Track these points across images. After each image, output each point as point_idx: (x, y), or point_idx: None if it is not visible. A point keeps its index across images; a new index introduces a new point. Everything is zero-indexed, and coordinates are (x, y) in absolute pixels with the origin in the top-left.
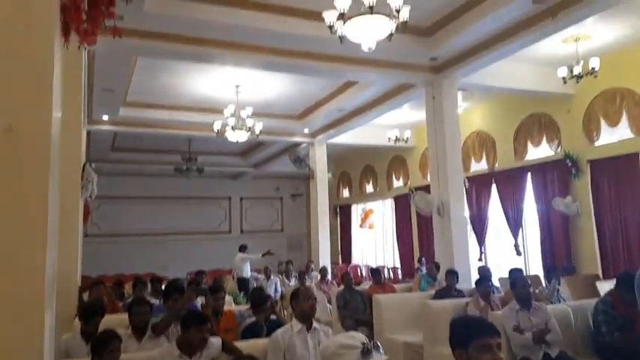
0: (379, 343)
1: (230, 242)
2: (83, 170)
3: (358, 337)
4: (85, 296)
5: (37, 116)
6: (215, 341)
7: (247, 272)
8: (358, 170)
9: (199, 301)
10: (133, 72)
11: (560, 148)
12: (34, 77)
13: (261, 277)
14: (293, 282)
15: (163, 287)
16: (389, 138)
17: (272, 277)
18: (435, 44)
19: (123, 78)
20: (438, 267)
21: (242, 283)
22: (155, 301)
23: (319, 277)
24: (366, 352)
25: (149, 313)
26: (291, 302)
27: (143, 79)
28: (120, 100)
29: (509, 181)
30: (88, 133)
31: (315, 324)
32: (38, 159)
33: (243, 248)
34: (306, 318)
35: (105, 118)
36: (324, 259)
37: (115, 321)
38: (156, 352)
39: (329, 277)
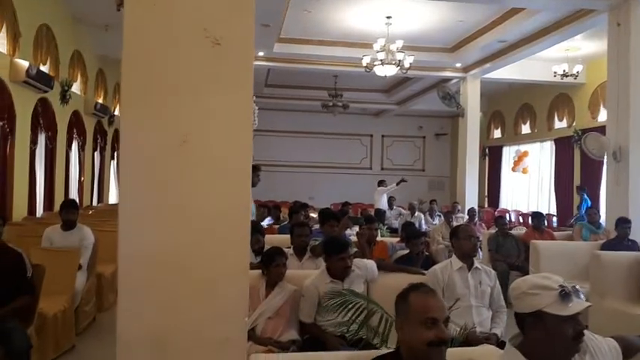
0: (579, 287)
1: (370, 178)
2: None
3: (554, 279)
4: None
5: (242, 30)
6: (370, 264)
7: (384, 205)
8: (513, 109)
9: (353, 230)
10: (287, 6)
11: None
12: None
13: (406, 212)
14: (437, 221)
15: (312, 215)
16: (555, 73)
17: (416, 213)
18: None
19: (279, 12)
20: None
21: (378, 214)
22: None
23: (467, 218)
24: (564, 295)
25: (309, 235)
26: (451, 240)
27: (295, 14)
28: (275, 35)
29: None
30: None
31: (476, 263)
32: (243, 69)
33: (381, 183)
34: (467, 256)
35: (261, 54)
36: (471, 201)
37: (277, 240)
38: (311, 279)
39: (476, 219)
